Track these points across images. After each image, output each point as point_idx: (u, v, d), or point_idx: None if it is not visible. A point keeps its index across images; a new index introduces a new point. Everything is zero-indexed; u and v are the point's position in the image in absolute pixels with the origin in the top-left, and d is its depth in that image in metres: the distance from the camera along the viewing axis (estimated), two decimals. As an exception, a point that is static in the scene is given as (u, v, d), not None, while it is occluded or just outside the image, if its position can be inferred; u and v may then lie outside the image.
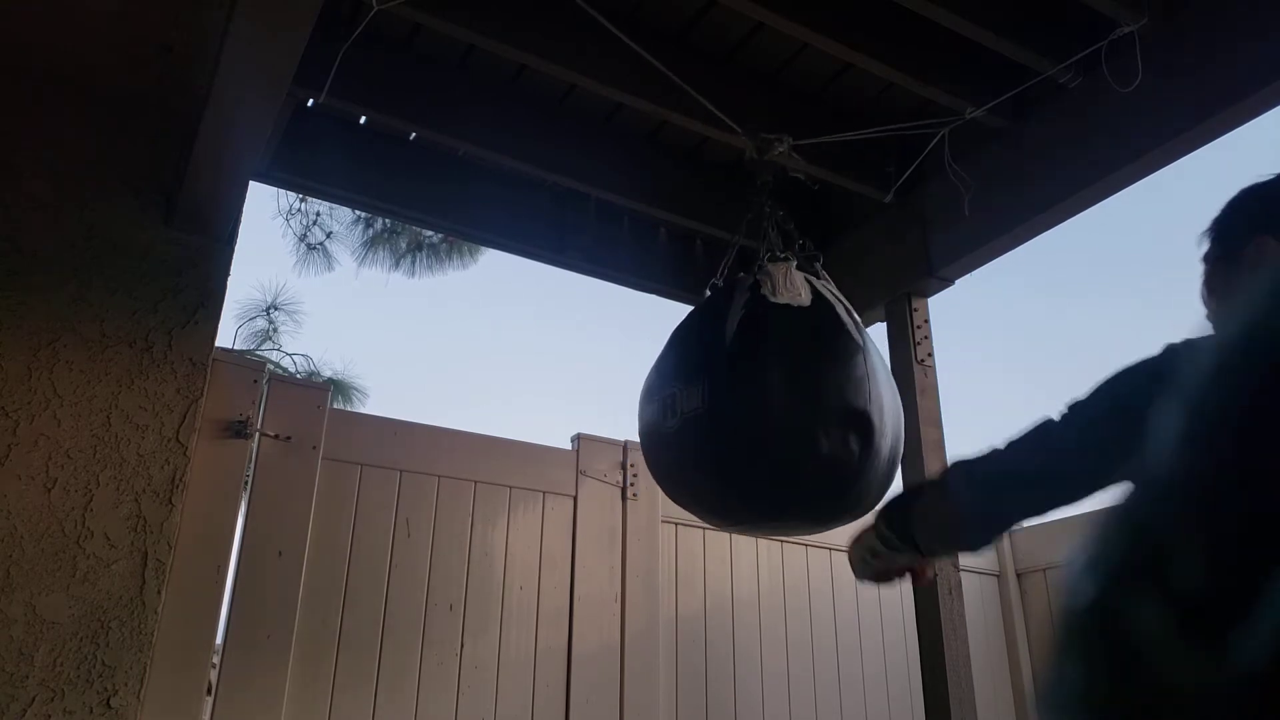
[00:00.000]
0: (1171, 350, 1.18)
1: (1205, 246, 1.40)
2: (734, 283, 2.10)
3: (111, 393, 2.32)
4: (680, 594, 3.29)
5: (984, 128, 2.70)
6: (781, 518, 2.04)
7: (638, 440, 2.81)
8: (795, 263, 2.13)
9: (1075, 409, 1.27)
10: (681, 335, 2.15)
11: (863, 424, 1.93)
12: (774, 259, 2.14)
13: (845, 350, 2.00)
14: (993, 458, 1.34)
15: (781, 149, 2.33)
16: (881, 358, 2.08)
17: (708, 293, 2.17)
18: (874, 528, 1.52)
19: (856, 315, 2.12)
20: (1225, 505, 0.28)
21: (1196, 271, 1.40)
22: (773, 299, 2.01)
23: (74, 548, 2.18)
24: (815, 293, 2.07)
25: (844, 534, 3.68)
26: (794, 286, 2.04)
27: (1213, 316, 1.37)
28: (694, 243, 3.43)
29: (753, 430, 1.92)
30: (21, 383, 2.24)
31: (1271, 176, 1.34)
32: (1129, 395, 1.21)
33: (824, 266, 2.29)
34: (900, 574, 1.56)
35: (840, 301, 2.10)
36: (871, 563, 1.53)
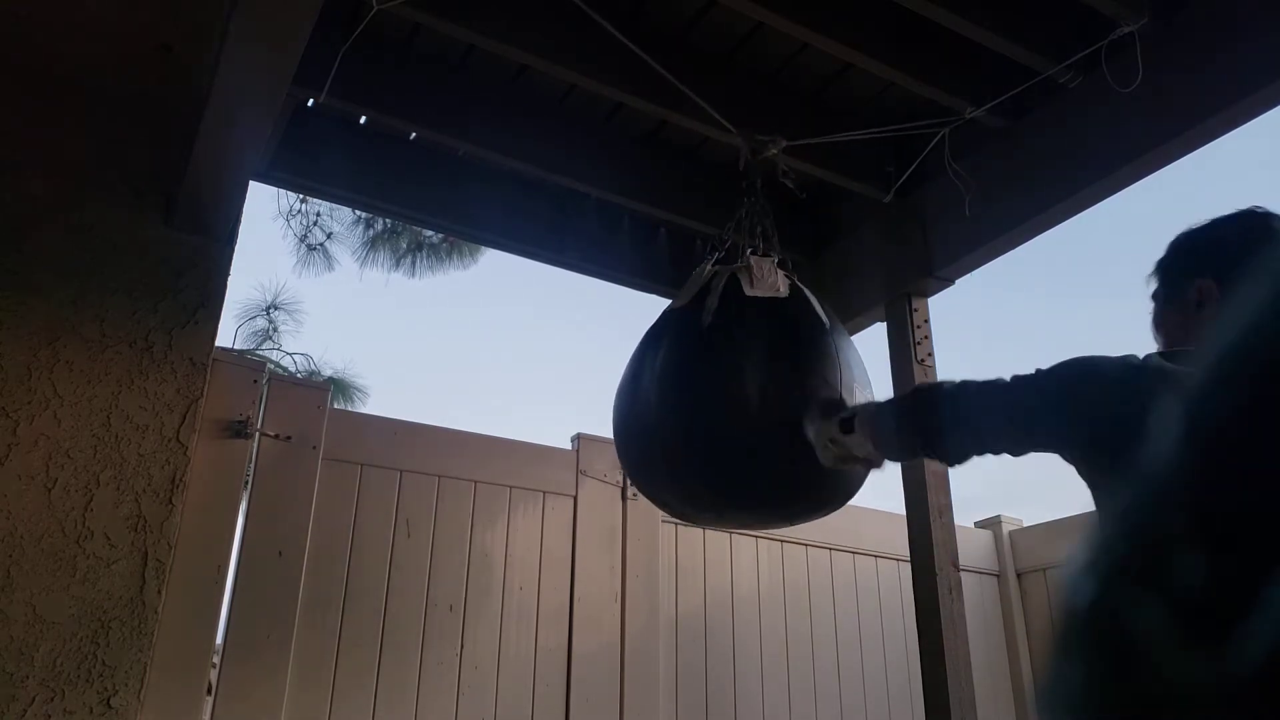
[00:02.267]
0: (1142, 367, 1.28)
1: (1153, 286, 1.53)
2: (712, 277, 2.12)
3: (111, 393, 2.32)
4: (680, 593, 3.29)
5: (984, 128, 2.70)
6: (749, 507, 2.09)
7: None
8: (776, 259, 2.15)
9: (1059, 374, 1.38)
10: (657, 330, 2.17)
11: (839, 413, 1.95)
12: (757, 252, 2.17)
13: (821, 342, 2.03)
14: (986, 386, 1.46)
15: (775, 150, 2.33)
16: (858, 353, 2.12)
17: (688, 295, 2.17)
18: (834, 422, 1.72)
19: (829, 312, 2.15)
20: (1226, 504, 0.28)
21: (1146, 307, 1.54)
22: (749, 292, 2.05)
23: (74, 548, 2.18)
24: (792, 285, 2.10)
25: (844, 534, 3.67)
26: (773, 280, 2.07)
27: (1161, 349, 1.49)
28: (694, 243, 3.43)
29: (723, 420, 1.96)
30: (21, 383, 2.24)
31: (1208, 221, 1.48)
32: (1107, 388, 1.30)
33: (824, 267, 2.30)
34: (857, 462, 1.77)
35: (815, 297, 2.13)
36: (831, 449, 1.73)
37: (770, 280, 2.07)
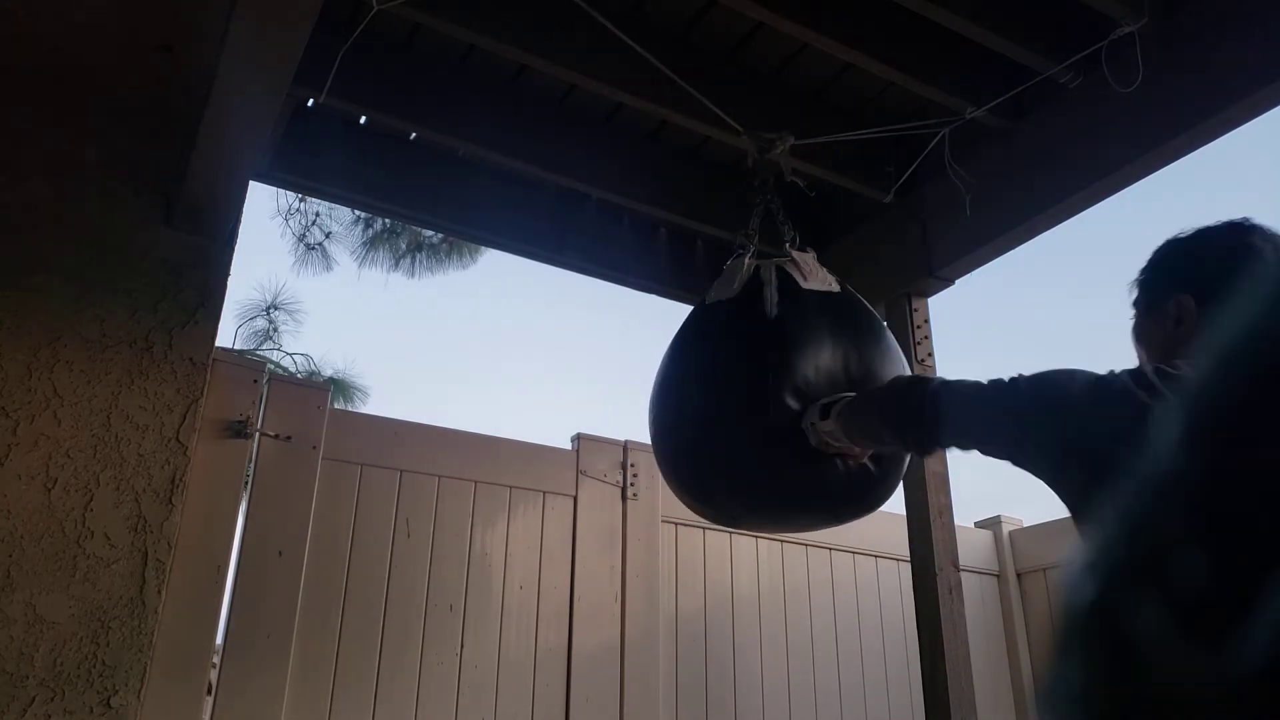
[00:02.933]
0: (1112, 382, 1.23)
1: (1133, 294, 1.49)
2: (756, 269, 2.02)
3: (111, 393, 2.32)
4: (680, 594, 3.29)
5: (984, 128, 2.70)
6: (814, 508, 1.95)
7: (640, 442, 2.69)
8: (815, 254, 2.09)
9: (1034, 381, 1.34)
10: (702, 326, 2.06)
11: None
12: (797, 247, 2.10)
13: (884, 337, 2.00)
14: (966, 384, 1.44)
15: (782, 148, 2.31)
16: None
17: (732, 288, 2.03)
18: (815, 408, 1.75)
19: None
20: (1226, 504, 0.28)
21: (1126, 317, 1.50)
22: (805, 285, 1.97)
23: (74, 548, 2.18)
24: (839, 281, 2.05)
25: (844, 534, 3.68)
26: (822, 274, 2.02)
27: (1142, 361, 1.46)
28: (694, 243, 3.43)
29: (799, 415, 1.83)
30: (21, 383, 2.24)
31: (1191, 233, 1.43)
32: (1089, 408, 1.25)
33: (823, 266, 2.28)
34: (840, 449, 1.77)
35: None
36: (811, 434, 1.76)
37: (819, 274, 2.01)
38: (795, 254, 2.06)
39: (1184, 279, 1.41)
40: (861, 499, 1.95)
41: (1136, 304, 1.50)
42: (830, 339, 1.91)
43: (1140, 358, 1.48)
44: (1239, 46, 2.17)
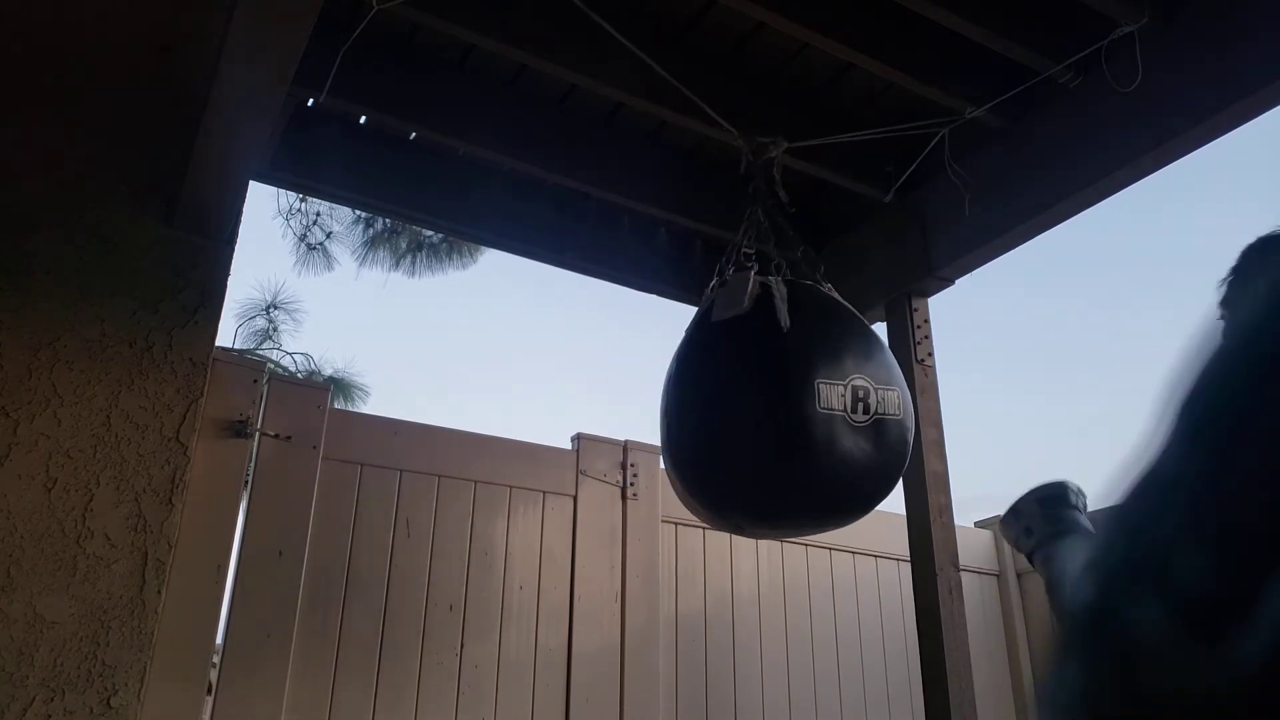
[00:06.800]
0: None
1: (1222, 293, 1.27)
2: (705, 299, 2.20)
3: (111, 393, 2.32)
4: (680, 593, 3.29)
5: (984, 128, 2.70)
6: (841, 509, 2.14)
7: (640, 442, 2.74)
8: (755, 269, 2.16)
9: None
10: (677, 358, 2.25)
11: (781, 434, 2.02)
12: (741, 266, 2.19)
13: (761, 358, 2.08)
14: None
15: (776, 152, 2.32)
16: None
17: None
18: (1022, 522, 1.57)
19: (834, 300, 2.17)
20: (1225, 507, 0.28)
21: (1210, 305, 1.25)
22: (712, 319, 2.11)
23: (74, 548, 2.18)
24: (763, 294, 2.10)
25: (844, 534, 3.67)
26: (737, 300, 2.08)
27: None
28: (694, 243, 3.43)
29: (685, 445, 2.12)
30: (21, 383, 2.24)
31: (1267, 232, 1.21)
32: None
33: (824, 266, 2.29)
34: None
35: (792, 298, 2.12)
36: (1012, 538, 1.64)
37: (739, 298, 2.10)
38: (730, 278, 2.16)
39: (1227, 278, 1.21)
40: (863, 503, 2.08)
41: (1225, 302, 1.25)
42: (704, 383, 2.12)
43: None
44: (1239, 46, 2.17)
